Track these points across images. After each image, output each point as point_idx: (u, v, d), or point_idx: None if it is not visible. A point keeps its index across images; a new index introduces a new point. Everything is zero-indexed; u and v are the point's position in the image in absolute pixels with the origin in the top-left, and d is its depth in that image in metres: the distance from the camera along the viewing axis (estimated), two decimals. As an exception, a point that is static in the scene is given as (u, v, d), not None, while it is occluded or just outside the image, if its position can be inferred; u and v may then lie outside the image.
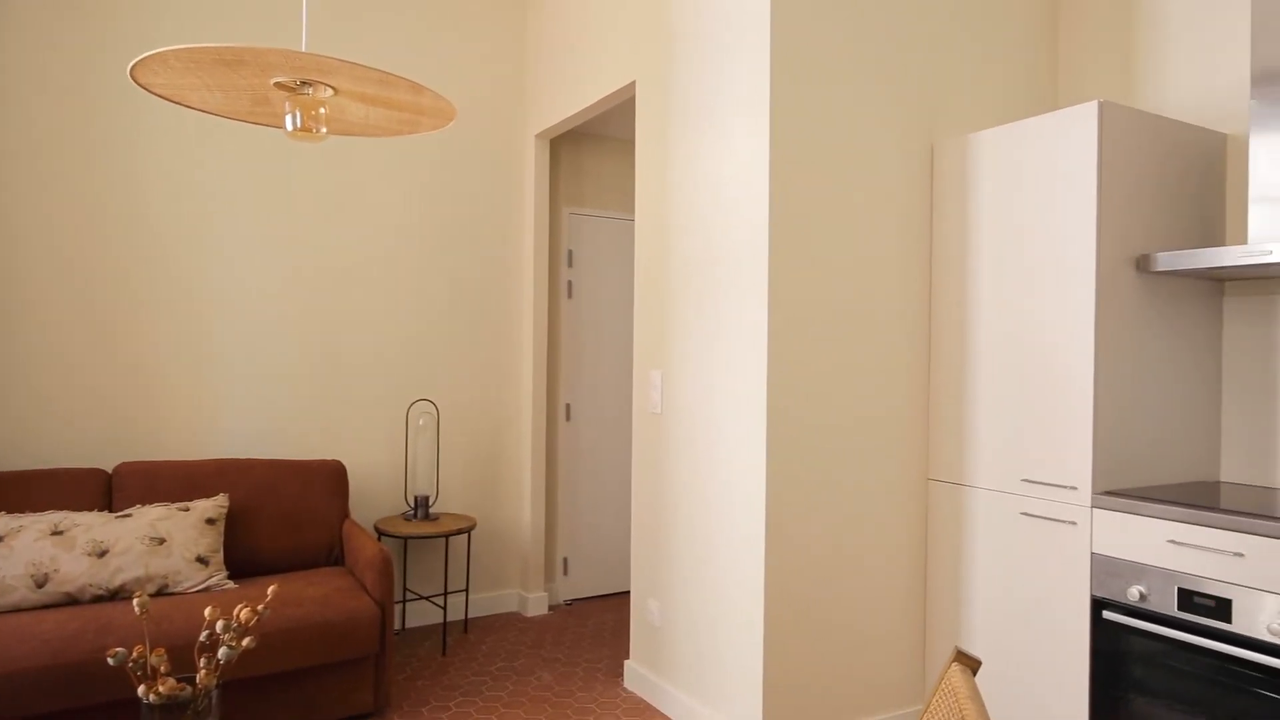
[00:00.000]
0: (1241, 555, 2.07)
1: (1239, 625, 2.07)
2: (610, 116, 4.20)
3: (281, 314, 3.66)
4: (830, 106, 2.69)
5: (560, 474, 4.40)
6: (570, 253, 4.44)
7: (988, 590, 2.69)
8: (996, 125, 3.01)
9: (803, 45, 2.64)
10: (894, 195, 2.84)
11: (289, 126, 1.85)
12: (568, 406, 4.42)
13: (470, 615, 4.15)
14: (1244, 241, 2.65)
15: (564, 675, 3.40)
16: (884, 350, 2.82)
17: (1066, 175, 2.48)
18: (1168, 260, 2.42)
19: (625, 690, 3.26)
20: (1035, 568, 2.54)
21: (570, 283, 4.44)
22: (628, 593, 4.60)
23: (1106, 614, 2.32)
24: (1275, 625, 2.00)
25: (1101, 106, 2.41)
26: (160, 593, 2.85)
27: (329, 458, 3.71)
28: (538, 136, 4.18)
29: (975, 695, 1.13)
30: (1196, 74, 2.80)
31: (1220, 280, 2.69)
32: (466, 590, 3.85)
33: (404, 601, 3.94)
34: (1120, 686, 2.31)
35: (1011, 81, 3.10)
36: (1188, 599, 2.17)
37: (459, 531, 3.61)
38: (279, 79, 1.77)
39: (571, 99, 3.80)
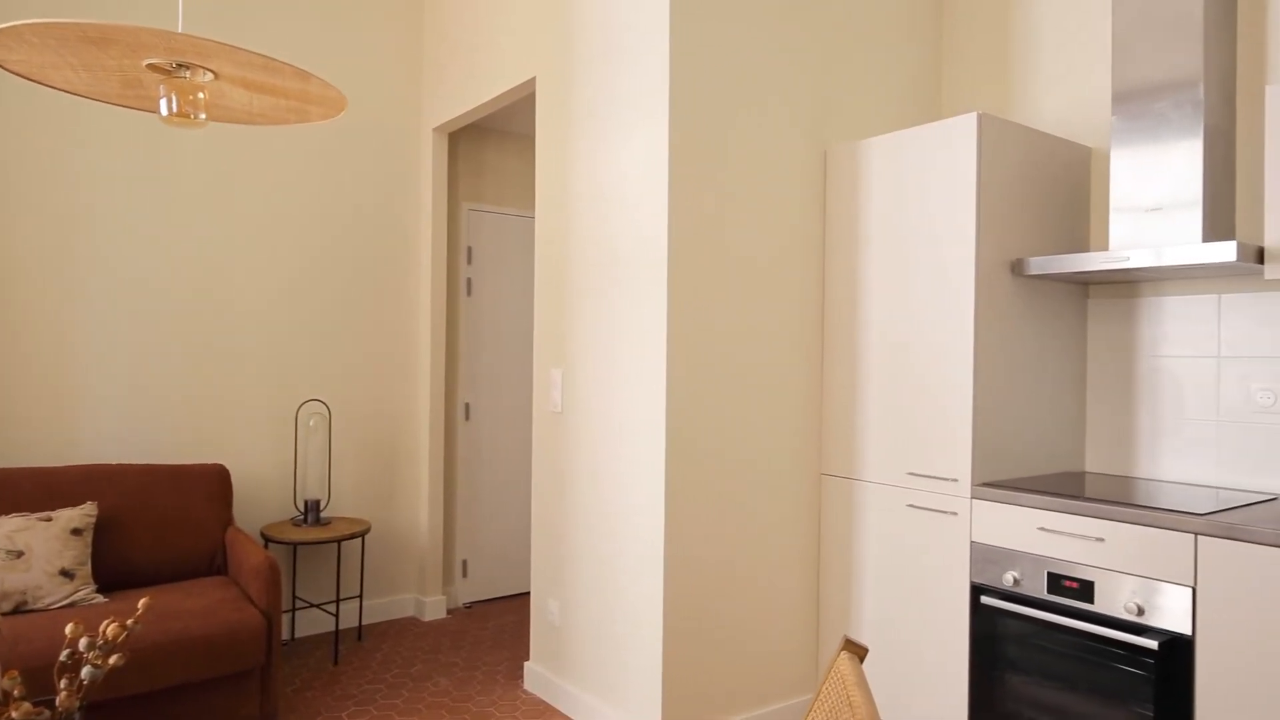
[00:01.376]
0: (1102, 540, 2.22)
1: (1100, 605, 2.22)
2: (511, 112, 4.15)
3: (158, 309, 3.45)
4: (728, 111, 2.74)
5: (459, 474, 4.32)
6: (469, 249, 4.36)
7: (876, 579, 2.80)
8: (886, 133, 3.12)
9: (701, 51, 2.67)
10: (789, 199, 2.91)
11: (164, 111, 1.74)
12: (467, 406, 4.35)
13: (365, 622, 4.03)
14: (1106, 248, 2.85)
15: (462, 680, 3.34)
16: (780, 349, 2.89)
17: (948, 182, 2.61)
18: (1039, 265, 2.57)
19: (525, 692, 3.22)
20: (920, 557, 2.66)
21: (469, 280, 4.36)
22: (528, 593, 4.56)
23: (984, 599, 2.45)
24: (1131, 604, 2.16)
25: (980, 118, 2.54)
26: (18, 610, 2.64)
27: (211, 461, 3.52)
28: (436, 130, 4.08)
29: (862, 681, 1.17)
30: (1065, 91, 2.99)
31: (1085, 284, 2.88)
32: (360, 596, 3.73)
33: (293, 610, 3.78)
34: (997, 666, 2.44)
35: (900, 91, 3.23)
36: (1056, 582, 2.31)
37: (352, 536, 3.49)
38: (152, 60, 1.66)
39: (471, 93, 3.73)
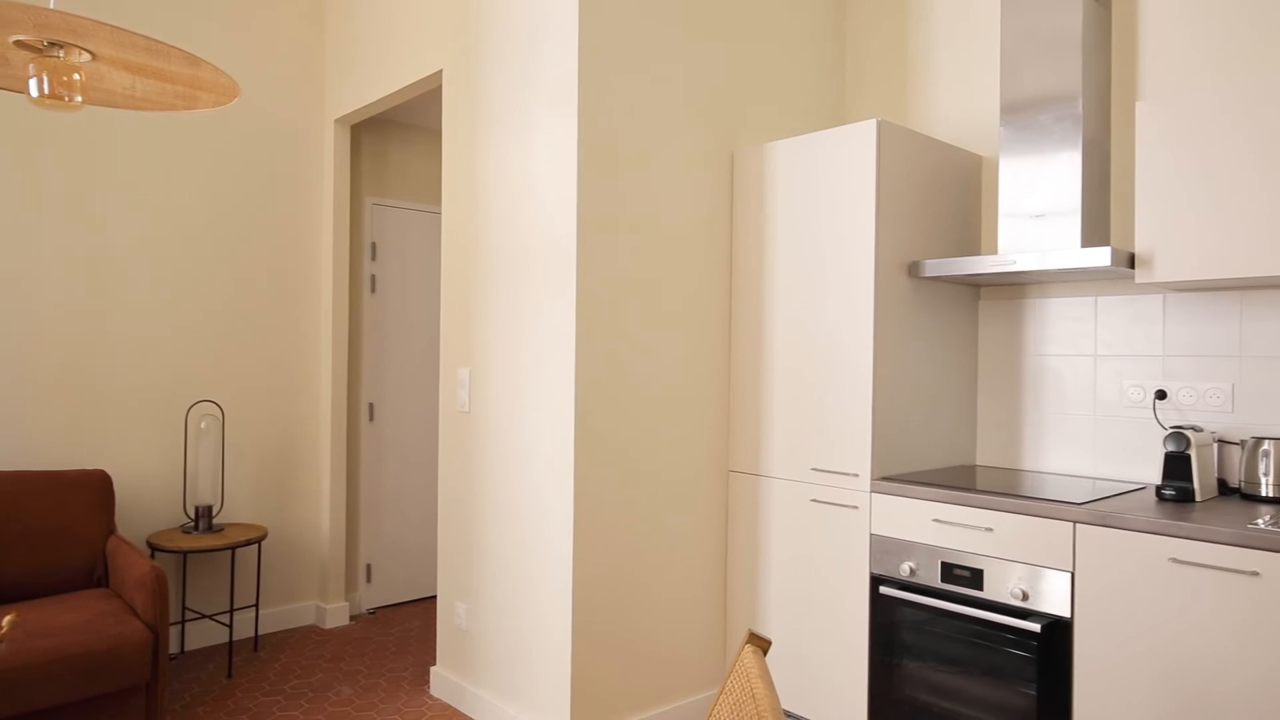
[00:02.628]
0: (991, 530, 2.33)
1: (989, 592, 2.34)
2: (417, 105, 4.06)
3: (30, 308, 3.22)
4: (638, 111, 2.75)
5: (363, 477, 4.20)
6: (373, 245, 4.24)
7: (781, 573, 2.86)
8: (791, 136, 3.19)
9: (611, 51, 2.67)
10: (698, 199, 2.94)
11: (33, 92, 1.63)
12: (371, 406, 4.22)
13: (261, 632, 3.86)
14: (996, 252, 2.99)
15: (366, 687, 3.25)
16: (689, 348, 2.92)
17: (849, 186, 2.69)
18: (934, 267, 2.68)
19: (431, 697, 3.16)
20: (823, 550, 2.74)
21: (373, 276, 4.24)
22: (435, 597, 4.47)
23: (883, 589, 2.54)
24: (1017, 590, 2.28)
25: (879, 125, 2.63)
26: None
27: (91, 467, 3.31)
28: (338, 121, 3.95)
29: (765, 674, 1.19)
30: (959, 101, 3.12)
31: (977, 285, 3.02)
32: (257, 605, 3.58)
33: (183, 622, 3.60)
34: (894, 652, 2.53)
35: (805, 97, 3.32)
36: (949, 571, 2.42)
37: (247, 542, 3.35)
38: (20, 37, 1.54)
39: (374, 85, 3.63)
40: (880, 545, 2.58)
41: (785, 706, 2.83)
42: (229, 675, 3.35)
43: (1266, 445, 2.30)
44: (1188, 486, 2.29)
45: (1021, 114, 2.67)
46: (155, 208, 3.53)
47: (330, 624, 3.96)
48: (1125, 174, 2.71)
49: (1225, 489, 2.46)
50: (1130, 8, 2.70)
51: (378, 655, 3.61)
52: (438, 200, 4.51)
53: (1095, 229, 2.62)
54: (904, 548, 2.53)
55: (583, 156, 2.61)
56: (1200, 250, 2.25)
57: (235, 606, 3.75)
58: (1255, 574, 1.90)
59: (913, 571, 2.50)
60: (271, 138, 3.88)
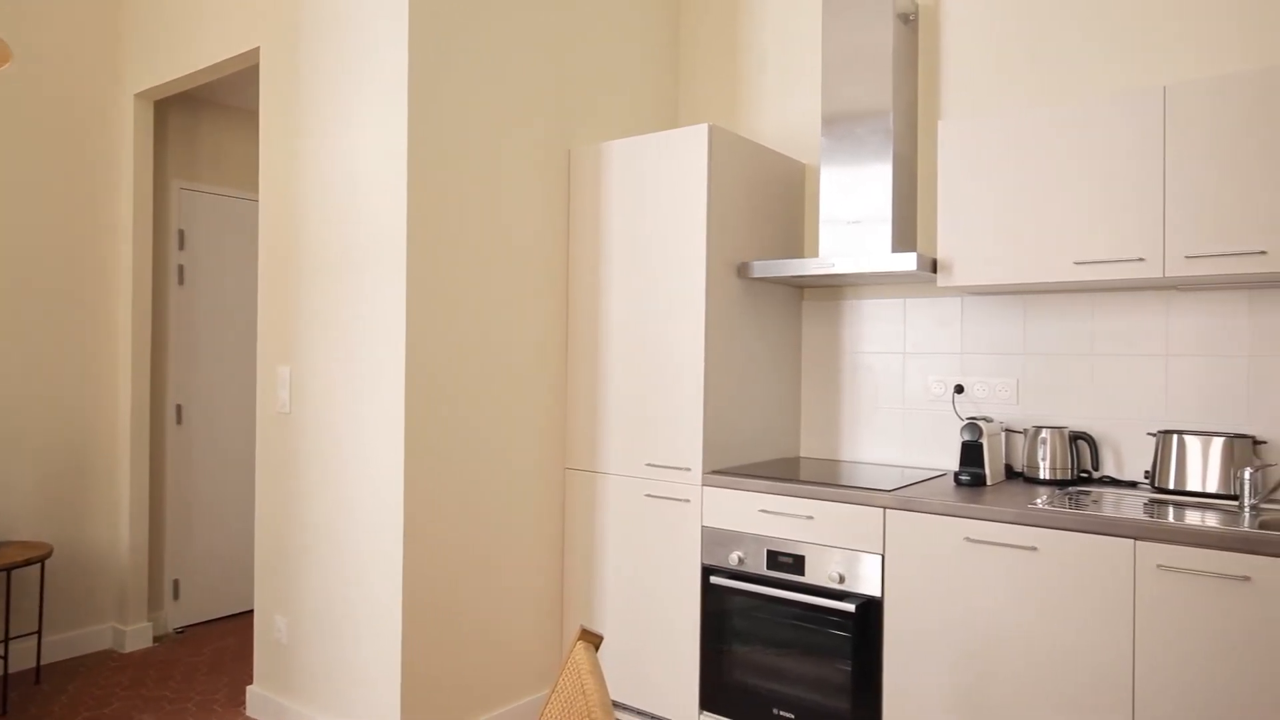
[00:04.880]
0: (812, 518, 2.47)
1: (810, 576, 2.47)
2: (232, 83, 3.77)
3: None
4: (472, 103, 2.68)
5: (169, 484, 3.85)
6: (181, 233, 3.91)
7: (618, 568, 2.89)
8: (627, 136, 3.24)
9: (443, 40, 2.60)
10: (534, 196, 2.92)
11: None
12: (179, 408, 3.89)
13: (45, 661, 3.46)
14: (817, 255, 3.17)
15: (172, 713, 2.98)
16: (525, 346, 2.89)
17: (682, 187, 2.76)
18: (761, 268, 2.80)
19: (248, 718, 2.95)
20: (657, 543, 2.79)
21: (181, 267, 3.91)
22: (252, 611, 4.17)
23: (713, 578, 2.62)
24: (834, 573, 2.42)
25: (711, 129, 2.71)
26: None
27: None
28: (139, 97, 3.60)
29: (595, 669, 1.19)
30: (785, 110, 3.28)
31: (801, 286, 3.18)
32: (39, 632, 3.20)
33: (-54, 656, 3.16)
34: (725, 639, 2.63)
35: (641, 98, 3.37)
36: (774, 558, 2.53)
37: (26, 563, 2.99)
38: None
39: (182, 59, 3.33)
40: (711, 536, 2.67)
41: (621, 699, 2.86)
42: (4, 712, 2.98)
43: (1045, 434, 2.57)
44: (980, 472, 2.52)
45: (840, 125, 2.84)
46: (-91, 183, 3.08)
47: (131, 647, 3.61)
48: (930, 185, 2.95)
49: (1012, 473, 2.73)
50: (935, 31, 2.94)
51: (186, 678, 3.32)
52: (254, 186, 4.21)
53: (904, 236, 2.83)
54: (733, 538, 2.62)
55: (413, 147, 2.52)
56: (991, 258, 2.48)
57: (11, 635, 3.34)
58: (1034, 549, 2.12)
59: (741, 561, 2.60)
60: (57, 111, 3.48)
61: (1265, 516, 2.15)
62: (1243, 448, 2.29)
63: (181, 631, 3.89)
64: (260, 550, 2.98)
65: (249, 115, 4.20)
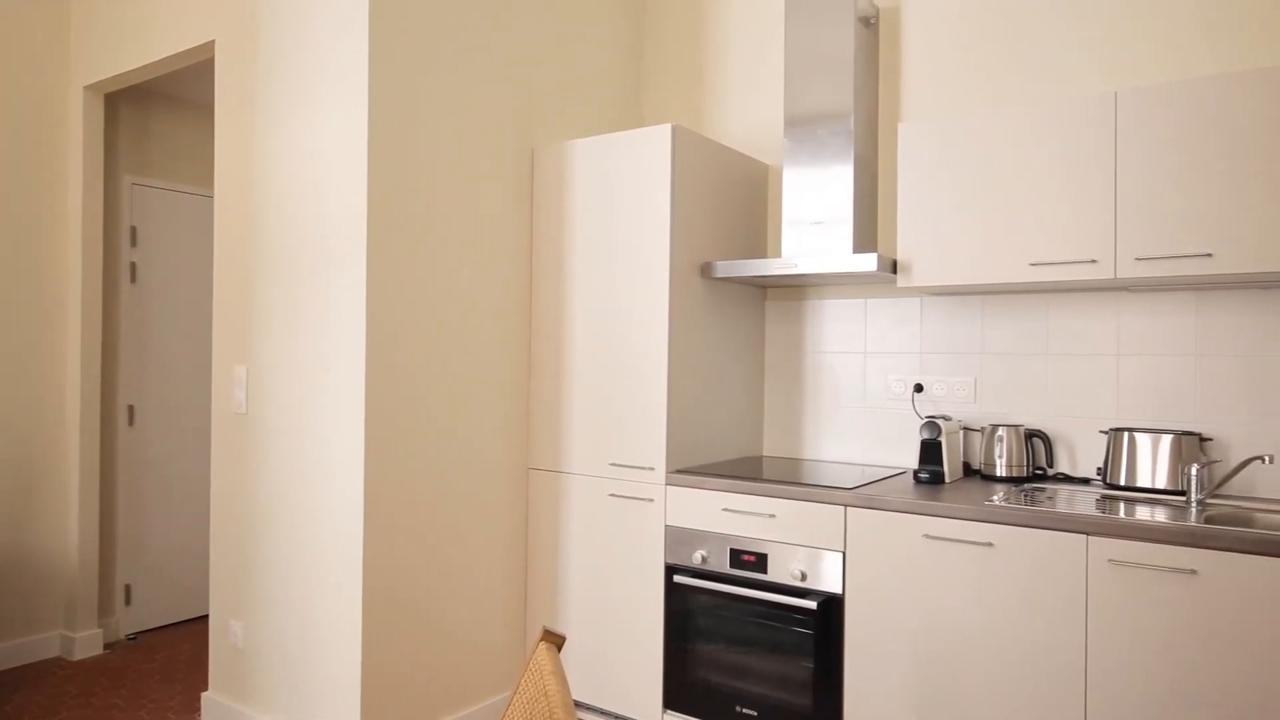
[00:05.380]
0: (774, 516, 2.49)
1: (773, 574, 2.49)
2: (187, 76, 3.69)
3: None
4: (433, 100, 2.66)
5: (121, 487, 3.76)
6: (134, 230, 3.81)
7: (581, 568, 2.89)
8: (591, 135, 3.23)
9: (404, 33, 2.57)
10: (497, 194, 2.90)
11: None
12: (130, 409, 3.79)
13: (-10, 670, 3.36)
14: (780, 255, 3.19)
15: (123, 723, 2.91)
16: (488, 346, 2.87)
17: (646, 187, 2.76)
18: (724, 268, 2.82)
19: (203, 726, 2.89)
20: (621, 543, 2.79)
21: (134, 264, 3.81)
22: (207, 617, 4.09)
23: (677, 577, 2.63)
24: (796, 571, 2.44)
25: (675, 129, 2.71)
26: None
27: None
28: (88, 89, 3.51)
29: (558, 670, 1.19)
30: (749, 111, 3.30)
31: (764, 287, 3.20)
32: (-17, 640, 3.10)
33: (-117, 667, 3.05)
34: (688, 637, 2.63)
35: (605, 97, 3.36)
36: (737, 557, 2.55)
37: (-30, 568, 2.89)
38: None
39: (134, 51, 3.25)
40: (674, 536, 2.67)
41: (585, 700, 2.86)
42: (-54, 724, 2.88)
43: (1001, 432, 2.62)
44: (939, 470, 2.56)
45: (802, 127, 2.87)
46: None
47: (80, 655, 3.51)
48: (891, 187, 2.98)
49: (970, 471, 2.78)
50: (895, 34, 2.98)
51: (138, 685, 3.24)
52: (210, 182, 4.13)
53: (865, 237, 2.86)
54: (697, 537, 2.63)
55: (374, 143, 2.48)
56: (949, 259, 2.52)
57: (-45, 643, 3.23)
58: (991, 545, 2.16)
59: (704, 559, 2.61)
60: (1, 103, 3.37)
61: (1211, 511, 2.22)
62: (1190, 445, 2.36)
63: (134, 638, 3.79)
64: (216, 554, 2.92)
65: (204, 109, 4.11)
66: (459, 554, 2.77)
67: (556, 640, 1.29)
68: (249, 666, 2.79)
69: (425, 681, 2.66)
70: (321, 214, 2.59)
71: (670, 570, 2.67)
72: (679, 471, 2.70)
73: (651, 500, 2.72)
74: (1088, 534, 2.04)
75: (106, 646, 3.67)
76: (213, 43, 2.95)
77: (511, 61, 2.94)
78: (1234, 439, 2.39)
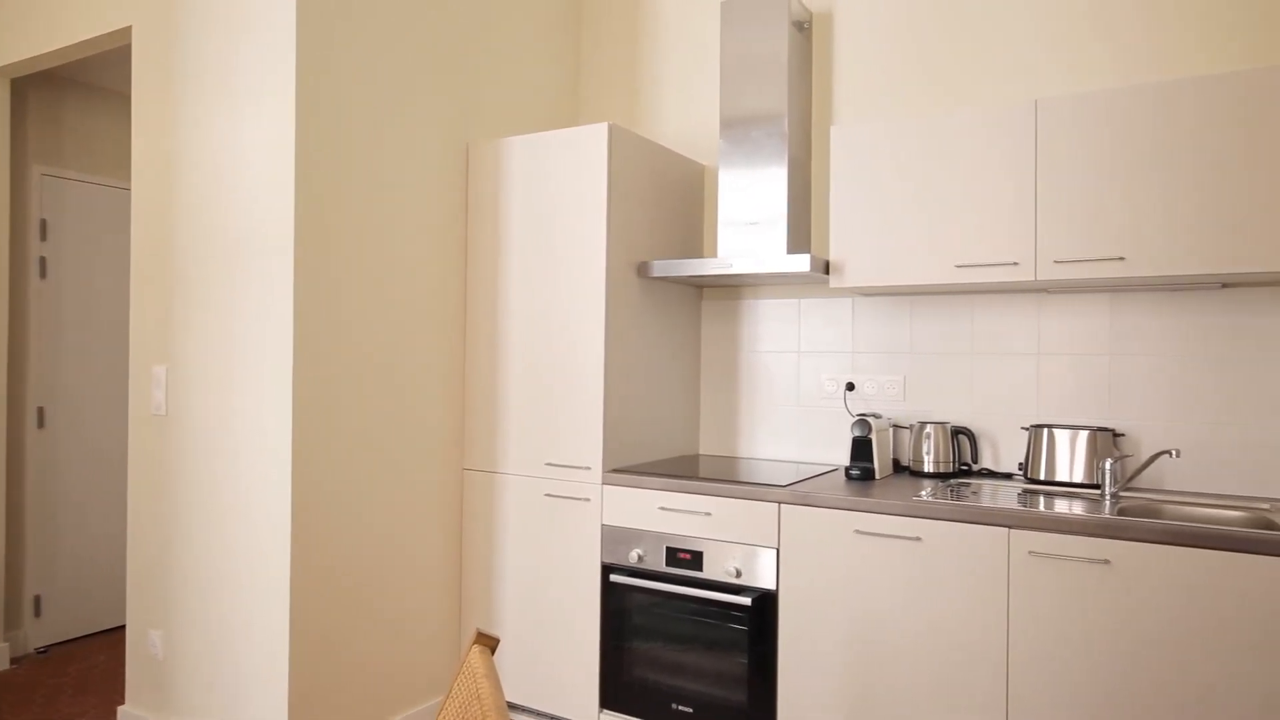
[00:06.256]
0: (710, 514, 2.51)
1: (708, 572, 2.51)
2: (102, 63, 3.53)
3: None
4: (365, 88, 2.60)
5: (30, 493, 3.57)
6: (44, 223, 3.63)
7: (517, 570, 2.86)
8: (527, 133, 3.20)
9: (333, 25, 2.50)
10: (431, 191, 2.85)
11: None
12: (40, 410, 3.61)
13: (-117, 689, 3.15)
14: (716, 255, 3.22)
15: (32, 740, 2.77)
16: (421, 345, 2.82)
17: (582, 185, 2.75)
18: (661, 268, 2.83)
19: (120, 741, 2.77)
20: (557, 543, 2.78)
21: (43, 259, 3.63)
22: (124, 627, 3.92)
23: (613, 577, 2.62)
24: (731, 568, 2.47)
25: (611, 128, 2.71)
26: None
27: None
28: (-8, 73, 3.33)
29: (491, 673, 1.17)
30: (685, 112, 3.31)
31: (700, 286, 3.23)
32: (-125, 658, 2.91)
33: None
34: (625, 637, 2.63)
35: (542, 95, 3.34)
36: (673, 555, 2.56)
37: None
38: None
39: (42, 34, 3.09)
40: (611, 535, 2.67)
41: (521, 701, 2.83)
42: None
43: (929, 429, 2.69)
44: (870, 466, 2.62)
45: (737, 129, 2.89)
46: None
47: (-16, 670, 3.33)
48: (824, 188, 3.03)
49: (899, 467, 2.85)
50: (828, 39, 3.03)
51: (49, 700, 3.09)
52: (128, 174, 3.96)
53: (798, 237, 2.91)
54: (633, 536, 2.63)
55: (301, 135, 2.42)
56: (880, 260, 2.58)
57: None
58: (918, 539, 2.22)
59: (641, 558, 2.61)
60: (-103, 85, 3.17)
61: (1124, 503, 2.32)
62: (1104, 440, 2.46)
63: (44, 651, 3.61)
64: (133, 561, 2.80)
65: (121, 98, 3.94)
66: (391, 557, 2.72)
67: (490, 643, 1.28)
68: (169, 677, 2.69)
69: (357, 688, 2.60)
70: (246, 208, 2.51)
71: (607, 569, 2.67)
72: (615, 471, 2.70)
73: (588, 500, 2.71)
74: (1010, 527, 2.11)
75: (13, 661, 3.48)
76: (129, 28, 2.83)
77: (446, 56, 2.89)
78: (1144, 434, 2.51)
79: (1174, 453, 2.27)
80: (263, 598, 2.46)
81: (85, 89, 3.79)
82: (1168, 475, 2.48)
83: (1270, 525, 2.06)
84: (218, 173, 2.58)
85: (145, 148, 2.78)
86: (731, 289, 3.20)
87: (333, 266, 2.51)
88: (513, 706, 2.85)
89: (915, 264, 2.52)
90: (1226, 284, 2.36)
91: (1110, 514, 2.12)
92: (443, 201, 2.90)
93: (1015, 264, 2.38)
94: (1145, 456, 2.50)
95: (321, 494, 2.48)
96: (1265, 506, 2.22)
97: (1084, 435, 2.46)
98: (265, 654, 2.44)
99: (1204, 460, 2.43)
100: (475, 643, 1.27)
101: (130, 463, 2.81)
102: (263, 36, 2.46)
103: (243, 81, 2.51)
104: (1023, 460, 2.65)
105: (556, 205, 2.80)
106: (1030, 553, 2.09)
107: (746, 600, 2.41)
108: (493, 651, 1.26)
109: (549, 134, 2.82)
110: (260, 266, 2.47)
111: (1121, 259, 2.25)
